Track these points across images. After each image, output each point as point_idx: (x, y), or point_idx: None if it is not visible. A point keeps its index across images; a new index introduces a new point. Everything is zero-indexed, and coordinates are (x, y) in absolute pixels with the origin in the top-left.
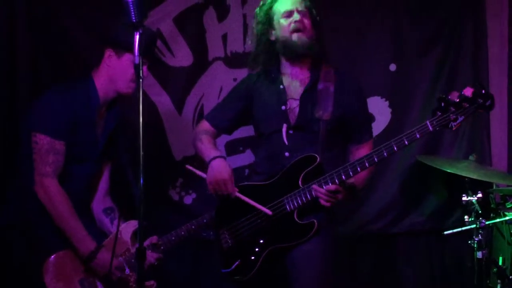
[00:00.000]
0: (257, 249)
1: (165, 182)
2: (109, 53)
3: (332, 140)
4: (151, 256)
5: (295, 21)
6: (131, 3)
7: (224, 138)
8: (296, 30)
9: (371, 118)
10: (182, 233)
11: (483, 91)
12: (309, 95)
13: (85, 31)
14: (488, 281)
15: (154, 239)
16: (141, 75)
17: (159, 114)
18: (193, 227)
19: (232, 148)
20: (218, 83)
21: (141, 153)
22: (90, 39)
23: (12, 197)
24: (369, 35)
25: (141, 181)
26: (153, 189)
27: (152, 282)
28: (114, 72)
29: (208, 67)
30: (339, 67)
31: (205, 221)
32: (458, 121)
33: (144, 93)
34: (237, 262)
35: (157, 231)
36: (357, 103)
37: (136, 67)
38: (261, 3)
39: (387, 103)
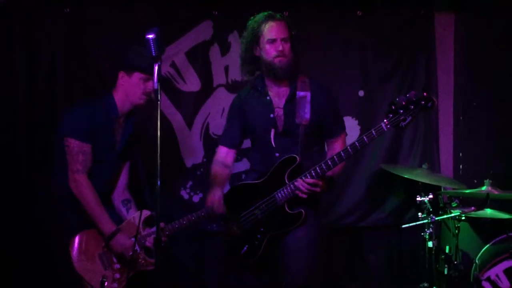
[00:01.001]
0: (259, 236)
1: (177, 184)
2: (122, 74)
3: (311, 140)
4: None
5: (278, 50)
6: (151, 40)
7: None
8: (278, 56)
9: (341, 116)
10: (184, 222)
11: (425, 94)
12: (290, 105)
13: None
14: (437, 266)
15: (161, 225)
16: (159, 98)
17: (173, 129)
18: (193, 218)
19: None
20: (221, 105)
21: (158, 161)
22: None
23: (44, 196)
24: (342, 67)
25: (158, 183)
26: (168, 190)
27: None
28: (128, 89)
29: (213, 92)
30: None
31: (203, 214)
32: (407, 121)
33: (161, 112)
34: (245, 248)
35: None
36: (328, 107)
37: (155, 92)
38: (252, 18)
39: (356, 121)
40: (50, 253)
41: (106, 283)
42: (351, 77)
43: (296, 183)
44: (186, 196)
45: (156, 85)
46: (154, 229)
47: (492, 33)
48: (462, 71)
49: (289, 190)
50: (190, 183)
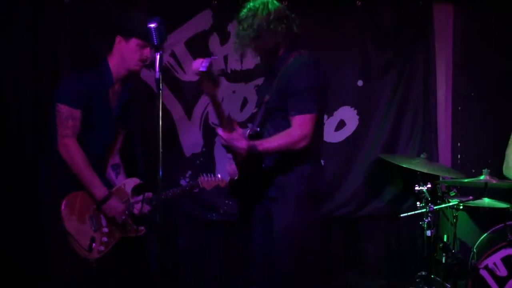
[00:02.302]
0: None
1: (177, 174)
2: (119, 39)
3: (277, 114)
4: (145, 207)
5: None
6: (153, 29)
7: None
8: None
9: (304, 93)
10: (169, 194)
11: None
12: (269, 83)
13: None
14: (435, 254)
15: (149, 195)
16: (160, 88)
17: (172, 119)
18: (178, 191)
19: None
20: (220, 94)
21: (160, 150)
22: None
23: (44, 173)
24: (342, 58)
25: (160, 172)
26: (167, 179)
27: (142, 227)
28: (124, 54)
29: None
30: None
31: (187, 188)
32: None
33: (161, 102)
34: None
35: (171, 209)
36: (291, 78)
37: (157, 81)
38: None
39: (355, 111)
40: (43, 214)
41: (94, 245)
42: (350, 67)
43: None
44: (185, 184)
45: (157, 75)
46: (141, 197)
47: (491, 25)
48: (460, 62)
49: None
50: (189, 172)
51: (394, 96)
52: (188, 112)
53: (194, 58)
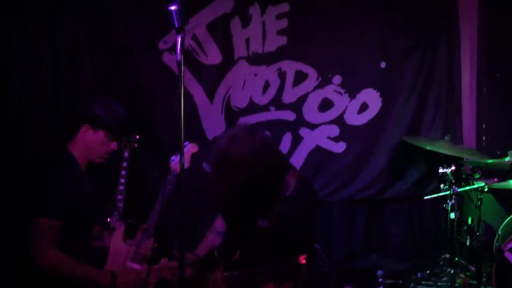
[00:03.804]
0: None
1: (199, 157)
2: (85, 128)
3: None
4: (149, 243)
5: None
6: (174, 12)
7: (246, 122)
8: None
9: None
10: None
11: None
12: None
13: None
14: (459, 237)
15: (141, 232)
16: (182, 70)
17: (194, 102)
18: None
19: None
20: (242, 77)
21: (182, 134)
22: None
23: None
24: (364, 40)
25: (183, 160)
26: (191, 163)
27: (163, 260)
28: (90, 144)
29: (234, 65)
30: (343, 64)
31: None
32: None
33: (183, 86)
34: None
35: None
36: None
37: (178, 64)
38: None
39: (378, 93)
40: None
41: None
42: (372, 49)
43: None
44: (208, 169)
45: (179, 57)
46: (138, 238)
47: None
48: (485, 43)
49: None
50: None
51: (418, 77)
52: (210, 95)
53: (216, 41)
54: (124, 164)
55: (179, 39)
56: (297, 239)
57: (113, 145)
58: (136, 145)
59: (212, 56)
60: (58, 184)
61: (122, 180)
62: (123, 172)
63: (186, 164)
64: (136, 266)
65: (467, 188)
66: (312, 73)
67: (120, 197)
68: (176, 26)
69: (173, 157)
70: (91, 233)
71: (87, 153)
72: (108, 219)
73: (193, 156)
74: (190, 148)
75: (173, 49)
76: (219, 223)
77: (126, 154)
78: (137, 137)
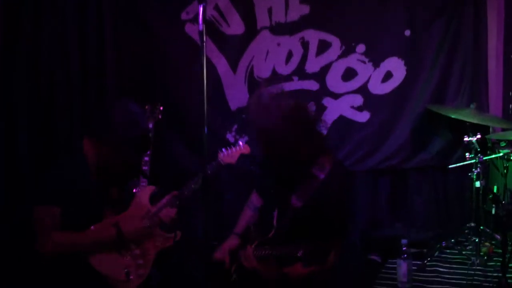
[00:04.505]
0: None
1: (223, 128)
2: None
3: None
4: (171, 212)
5: None
6: None
7: None
8: None
9: None
10: (189, 188)
11: None
12: None
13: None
14: (484, 206)
15: (170, 197)
16: (204, 40)
17: (217, 73)
18: (192, 184)
19: None
20: (264, 47)
21: (205, 106)
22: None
23: None
24: (388, 8)
25: (205, 129)
26: (214, 134)
27: (178, 232)
28: (95, 155)
29: (256, 35)
30: (366, 33)
31: (209, 172)
32: None
33: (206, 57)
34: None
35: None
36: None
37: (200, 34)
38: None
39: (402, 62)
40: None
41: (131, 275)
42: (396, 17)
43: None
44: (231, 139)
45: (201, 27)
46: (163, 202)
47: None
48: None
49: None
50: (235, 126)
51: (443, 45)
52: (233, 65)
53: (238, 11)
54: (149, 135)
55: (201, 9)
56: (329, 223)
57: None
58: (160, 116)
59: (235, 26)
60: (56, 171)
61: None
62: None
63: (233, 160)
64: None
65: (493, 156)
66: (335, 42)
67: (145, 168)
68: None
69: (223, 149)
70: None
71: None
72: (134, 190)
73: (216, 126)
74: (242, 149)
75: (195, 19)
76: (255, 198)
77: (150, 125)
78: (161, 108)
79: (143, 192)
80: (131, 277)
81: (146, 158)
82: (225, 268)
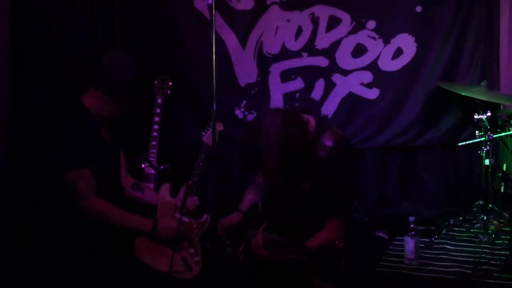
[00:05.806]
0: None
1: (232, 104)
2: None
3: None
4: (193, 201)
5: None
6: None
7: (278, 68)
8: None
9: None
10: (194, 179)
11: None
12: None
13: None
14: (493, 184)
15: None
16: (213, 14)
17: (227, 48)
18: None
19: (286, 77)
20: (274, 23)
21: (214, 81)
22: None
23: None
24: None
25: (214, 107)
26: (223, 110)
27: (206, 215)
28: (96, 104)
29: (266, 10)
30: (377, 9)
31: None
32: None
33: (215, 32)
34: None
35: (225, 142)
36: None
37: (210, 8)
38: None
39: (413, 38)
40: None
41: (189, 262)
42: None
43: None
44: (240, 115)
45: (210, 1)
46: (182, 194)
47: None
48: None
49: None
50: (244, 102)
51: (455, 22)
52: (242, 41)
53: None
54: (158, 110)
55: None
56: (333, 198)
57: (125, 106)
58: (169, 92)
59: (244, 1)
60: (73, 134)
61: (156, 127)
62: (156, 119)
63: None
64: (185, 219)
65: (503, 134)
66: (345, 18)
67: (153, 143)
68: None
69: (203, 133)
70: (120, 180)
71: (97, 110)
72: (142, 165)
73: (225, 102)
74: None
75: None
76: (259, 179)
77: (159, 100)
78: (170, 83)
79: (164, 189)
80: (190, 264)
81: (155, 134)
82: (221, 242)
